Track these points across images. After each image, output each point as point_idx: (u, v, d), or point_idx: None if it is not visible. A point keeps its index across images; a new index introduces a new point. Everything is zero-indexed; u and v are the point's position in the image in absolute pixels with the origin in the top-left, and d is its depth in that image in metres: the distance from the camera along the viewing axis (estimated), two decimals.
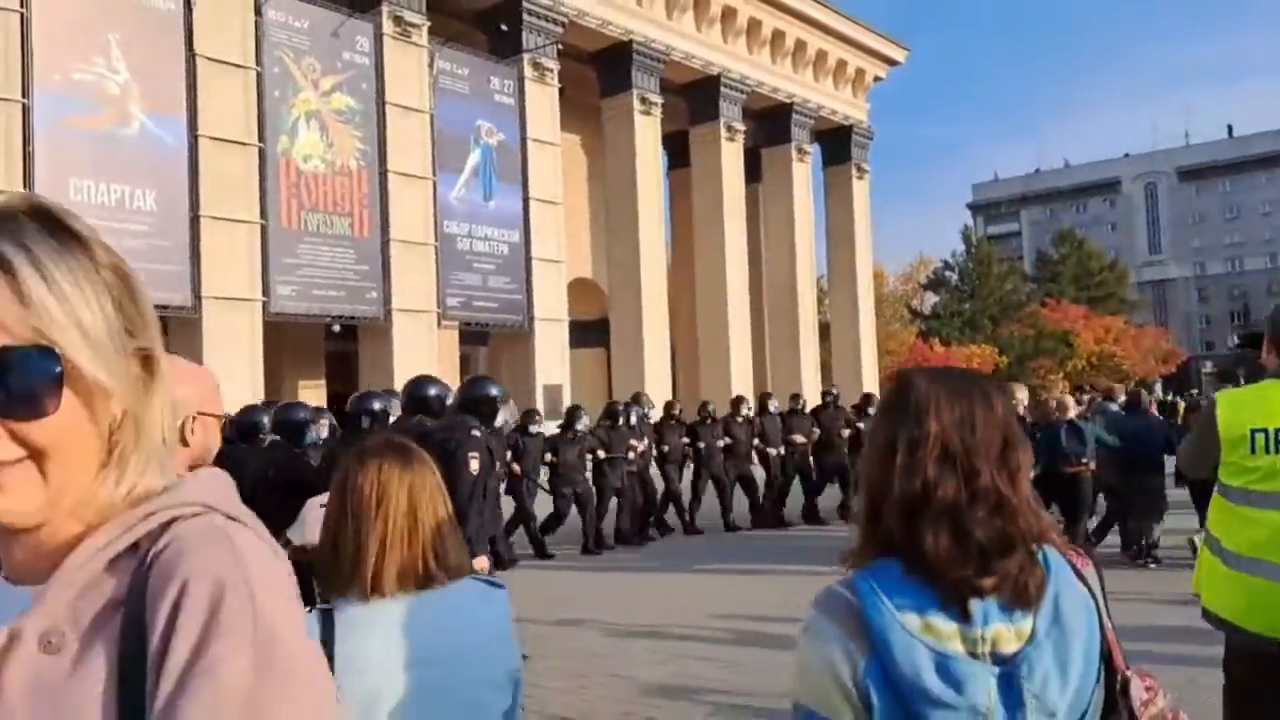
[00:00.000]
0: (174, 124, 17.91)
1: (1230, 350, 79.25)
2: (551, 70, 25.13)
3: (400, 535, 1.62)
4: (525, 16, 24.27)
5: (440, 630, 1.60)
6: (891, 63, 37.01)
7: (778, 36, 32.10)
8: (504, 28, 23.79)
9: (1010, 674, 1.21)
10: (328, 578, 1.65)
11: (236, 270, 18.66)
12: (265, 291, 19.14)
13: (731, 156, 30.51)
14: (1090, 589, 1.31)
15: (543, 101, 25.00)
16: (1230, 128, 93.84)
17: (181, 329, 18.07)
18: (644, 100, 27.61)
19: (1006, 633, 1.22)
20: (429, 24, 22.37)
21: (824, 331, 35.37)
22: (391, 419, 5.99)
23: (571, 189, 27.67)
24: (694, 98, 30.23)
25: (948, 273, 63.55)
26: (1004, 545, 1.22)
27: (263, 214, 19.16)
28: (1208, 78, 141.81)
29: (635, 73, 27.32)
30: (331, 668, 1.41)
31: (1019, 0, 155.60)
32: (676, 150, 31.98)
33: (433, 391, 5.63)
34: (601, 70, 27.44)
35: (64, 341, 0.70)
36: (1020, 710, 1.19)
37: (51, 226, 0.74)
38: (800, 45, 32.97)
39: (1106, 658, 1.29)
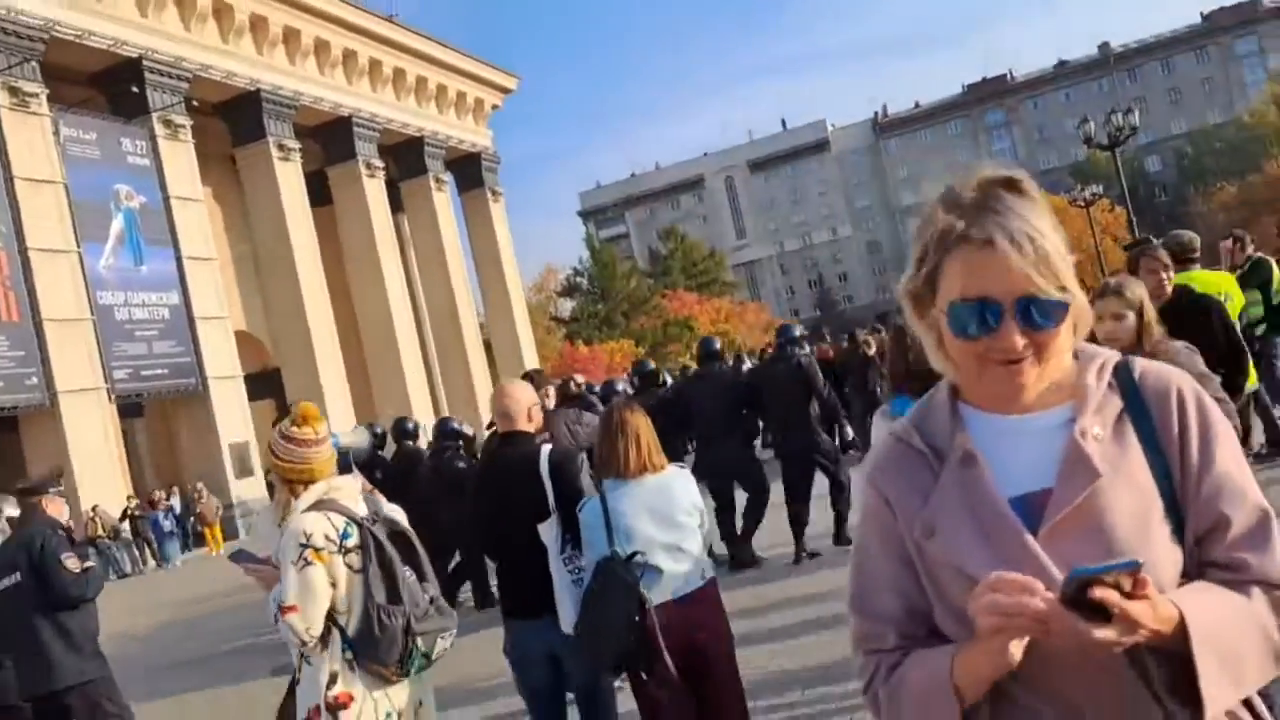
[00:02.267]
0: None
1: (811, 315, 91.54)
2: (184, 126, 24.69)
3: (636, 444, 3.21)
4: (148, 75, 23.67)
5: (661, 488, 3.22)
6: (506, 90, 39.59)
7: (399, 74, 33.36)
8: (134, 89, 23.05)
9: None
10: (603, 468, 3.23)
11: None
12: None
13: (375, 192, 31.38)
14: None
15: (179, 158, 24.50)
16: (784, 121, 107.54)
17: None
18: (281, 146, 27.77)
19: None
20: (47, 92, 21.25)
21: (488, 347, 37.21)
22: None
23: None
24: (329, 139, 30.70)
25: (578, 279, 67.97)
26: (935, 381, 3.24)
27: None
28: (761, 75, 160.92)
29: (268, 120, 27.42)
30: (607, 512, 3.00)
31: (586, 16, 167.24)
32: (314, 190, 32.20)
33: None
34: (233, 121, 27.21)
35: (1069, 286, 1.15)
36: None
37: (1018, 191, 1.17)
38: (421, 81, 34.47)
39: None
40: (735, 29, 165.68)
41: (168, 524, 20.19)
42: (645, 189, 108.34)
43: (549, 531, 3.29)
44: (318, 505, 2.95)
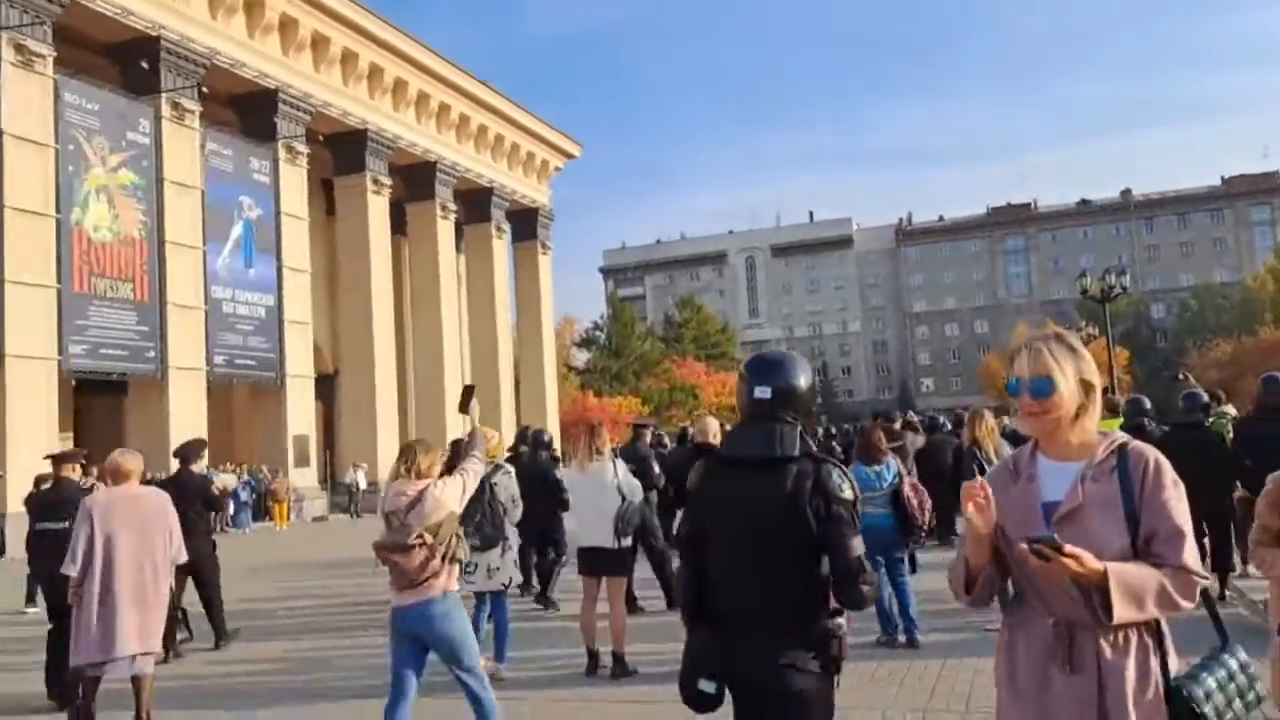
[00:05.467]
0: None
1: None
2: (303, 153, 28.10)
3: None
4: (281, 106, 27.14)
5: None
6: (570, 155, 43.24)
7: (482, 130, 36.96)
8: (278, 121, 26.54)
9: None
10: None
11: (36, 331, 19.96)
12: (61, 350, 20.53)
13: (446, 232, 34.74)
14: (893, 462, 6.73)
15: (294, 181, 27.86)
16: (811, 214, 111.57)
17: None
18: (376, 181, 31.17)
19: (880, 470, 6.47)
20: (201, 110, 24.65)
21: (516, 385, 40.27)
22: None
23: None
24: (412, 178, 34.12)
25: (596, 333, 71.25)
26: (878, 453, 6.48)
27: (59, 279, 20.59)
28: (790, 164, 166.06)
29: (369, 157, 30.86)
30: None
31: (631, 93, 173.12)
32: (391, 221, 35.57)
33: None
34: (339, 153, 30.62)
35: (1057, 381, 2.13)
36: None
37: (1054, 336, 2.21)
38: (499, 139, 38.07)
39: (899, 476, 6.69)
40: (773, 115, 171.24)
41: (244, 495, 23.18)
42: (668, 256, 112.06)
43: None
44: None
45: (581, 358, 73.36)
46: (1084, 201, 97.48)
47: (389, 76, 31.62)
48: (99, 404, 24.71)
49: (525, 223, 41.06)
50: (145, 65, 22.94)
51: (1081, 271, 28.60)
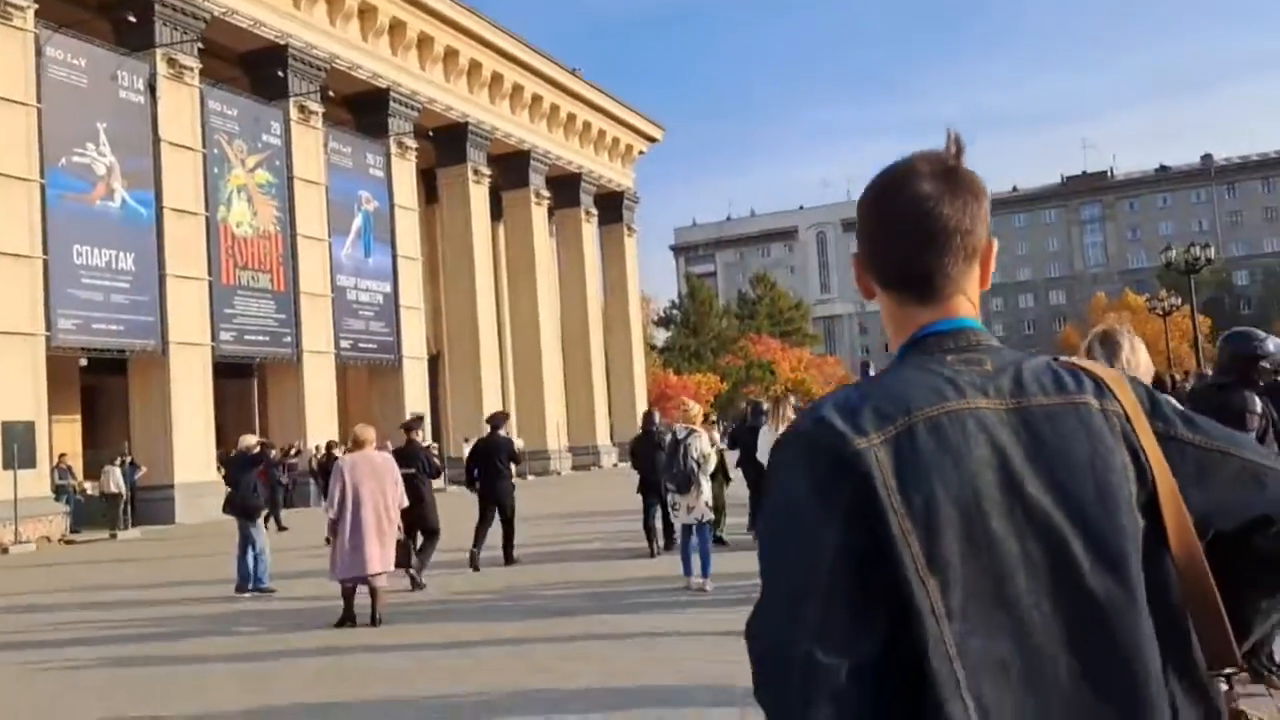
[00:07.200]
0: (146, 198, 21.12)
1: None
2: (412, 148, 29.86)
3: None
4: (392, 104, 28.90)
5: None
6: (652, 139, 44.50)
7: (571, 118, 38.41)
8: (390, 119, 28.35)
9: None
10: None
11: (192, 320, 21.98)
12: (213, 337, 22.55)
13: (539, 218, 36.34)
14: None
15: (404, 174, 29.65)
16: None
17: (151, 368, 21.23)
18: (476, 171, 32.85)
19: None
20: (324, 110, 26.49)
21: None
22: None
23: None
24: (508, 167, 35.74)
25: (674, 312, 72.64)
26: None
27: (209, 271, 22.58)
28: (861, 136, 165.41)
29: (470, 149, 32.53)
30: None
31: (707, 63, 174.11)
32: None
33: None
34: (441, 146, 32.34)
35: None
36: None
37: (1108, 338, 2.83)
38: (587, 125, 39.49)
39: None
40: (844, 88, 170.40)
41: None
42: (738, 233, 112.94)
43: None
44: None
45: (661, 336, 74.89)
46: (1163, 168, 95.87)
47: (486, 71, 33.21)
48: (232, 385, 26.77)
49: (611, 206, 42.47)
50: (280, 74, 24.77)
51: (1166, 245, 29.21)
